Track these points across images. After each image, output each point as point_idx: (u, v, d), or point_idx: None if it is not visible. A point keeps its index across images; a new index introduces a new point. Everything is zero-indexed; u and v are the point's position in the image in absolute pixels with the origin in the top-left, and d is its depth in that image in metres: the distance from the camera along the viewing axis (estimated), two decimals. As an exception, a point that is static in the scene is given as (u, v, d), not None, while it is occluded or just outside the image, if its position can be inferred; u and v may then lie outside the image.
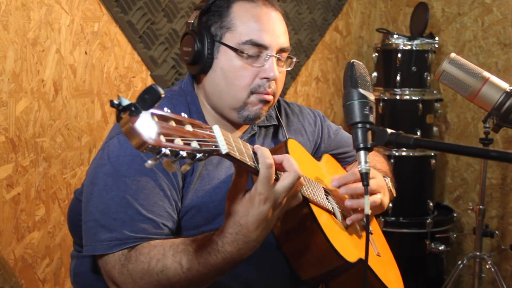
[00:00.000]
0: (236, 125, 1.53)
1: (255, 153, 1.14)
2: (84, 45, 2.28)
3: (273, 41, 1.43)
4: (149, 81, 2.54)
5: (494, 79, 1.28)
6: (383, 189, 1.59)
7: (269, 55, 1.43)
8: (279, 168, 1.18)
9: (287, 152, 1.42)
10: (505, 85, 1.28)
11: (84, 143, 2.32)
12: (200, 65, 1.45)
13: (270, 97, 1.46)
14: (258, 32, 1.42)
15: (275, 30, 1.45)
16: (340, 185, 1.53)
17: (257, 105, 1.45)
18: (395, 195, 1.69)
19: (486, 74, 1.29)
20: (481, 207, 2.86)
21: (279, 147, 1.48)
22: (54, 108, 2.20)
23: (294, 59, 1.52)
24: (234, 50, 1.42)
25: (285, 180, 1.15)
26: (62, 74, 2.21)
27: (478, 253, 2.90)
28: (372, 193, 1.54)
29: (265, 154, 1.12)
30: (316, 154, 1.75)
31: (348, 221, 1.52)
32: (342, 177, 1.54)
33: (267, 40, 1.42)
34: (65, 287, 2.32)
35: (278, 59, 1.46)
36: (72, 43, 2.23)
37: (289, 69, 1.52)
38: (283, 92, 3.14)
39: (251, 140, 1.56)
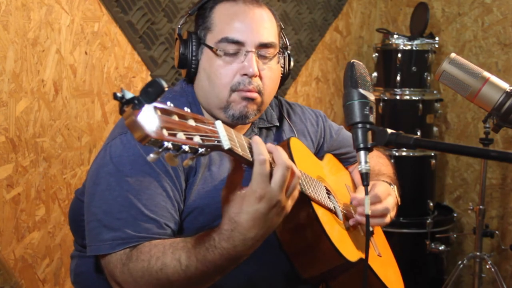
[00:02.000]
0: (232, 126, 1.52)
1: (250, 148, 1.11)
2: (84, 45, 2.28)
3: (250, 37, 1.42)
4: (149, 81, 2.54)
5: (494, 79, 1.28)
6: (394, 209, 1.58)
7: (248, 50, 1.42)
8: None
9: (289, 151, 1.42)
10: (505, 85, 1.28)
11: (84, 143, 2.33)
12: (187, 68, 1.47)
13: (253, 94, 1.43)
14: (233, 28, 1.42)
15: (252, 26, 1.43)
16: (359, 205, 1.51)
17: (241, 103, 1.43)
18: (399, 203, 1.67)
19: (486, 74, 1.29)
20: (481, 207, 2.86)
21: (281, 146, 1.47)
22: (54, 108, 2.20)
23: (280, 54, 1.49)
24: (211, 49, 1.43)
25: (276, 175, 1.11)
26: (62, 74, 2.21)
27: (478, 253, 2.90)
28: (386, 213, 1.53)
29: (259, 150, 1.09)
30: (319, 154, 1.75)
31: (351, 222, 1.52)
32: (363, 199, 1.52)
33: (242, 36, 1.42)
34: (65, 287, 2.32)
35: (263, 56, 1.45)
36: (72, 43, 2.23)
37: (274, 65, 1.47)
38: (283, 92, 3.14)
39: None
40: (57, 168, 2.23)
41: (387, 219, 1.54)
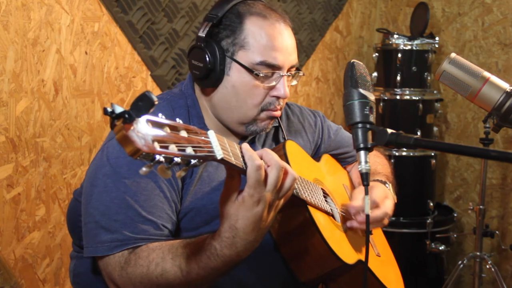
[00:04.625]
0: (244, 137, 1.54)
1: (243, 156, 1.13)
2: (84, 45, 2.28)
3: (286, 61, 1.43)
4: (149, 81, 2.54)
5: (494, 79, 1.28)
6: (392, 210, 1.59)
7: (282, 74, 1.44)
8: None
9: (285, 154, 1.42)
10: (505, 85, 1.28)
11: (84, 143, 2.33)
12: (211, 80, 1.43)
13: (279, 113, 1.48)
14: (273, 52, 1.41)
15: (288, 49, 1.45)
16: (357, 212, 1.51)
17: (266, 121, 1.48)
18: (396, 201, 1.67)
19: (486, 74, 1.29)
20: (481, 207, 2.86)
21: (276, 149, 1.47)
22: (54, 108, 2.20)
23: (301, 73, 1.52)
24: (248, 69, 1.41)
25: (270, 176, 1.14)
26: (62, 74, 2.21)
27: (478, 253, 2.90)
28: (385, 217, 1.54)
29: (253, 157, 1.11)
30: (317, 154, 1.75)
31: (348, 224, 1.52)
32: (361, 207, 1.50)
33: (280, 61, 1.42)
34: (65, 287, 2.32)
35: (288, 76, 1.47)
36: (72, 43, 2.23)
37: (295, 82, 1.53)
38: (283, 92, 3.14)
39: (252, 142, 1.56)
40: (57, 168, 2.23)
41: (386, 222, 1.56)
